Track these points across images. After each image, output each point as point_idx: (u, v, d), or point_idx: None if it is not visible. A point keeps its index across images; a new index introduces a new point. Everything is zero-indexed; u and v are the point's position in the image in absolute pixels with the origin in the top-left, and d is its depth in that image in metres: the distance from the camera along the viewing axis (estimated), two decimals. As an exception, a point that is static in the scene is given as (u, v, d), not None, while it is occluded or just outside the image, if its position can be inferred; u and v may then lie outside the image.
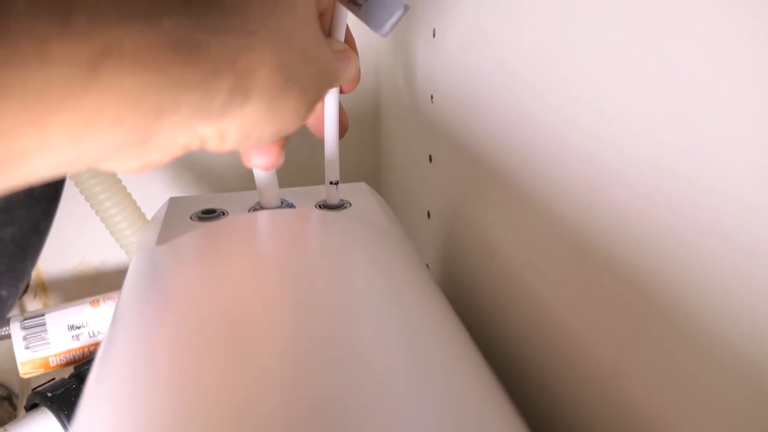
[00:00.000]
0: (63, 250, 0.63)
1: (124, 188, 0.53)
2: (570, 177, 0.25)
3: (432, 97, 0.44)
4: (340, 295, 0.23)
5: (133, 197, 0.53)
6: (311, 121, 0.32)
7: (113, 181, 0.52)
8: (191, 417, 0.16)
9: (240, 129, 0.20)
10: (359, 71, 0.29)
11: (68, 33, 0.15)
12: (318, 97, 0.23)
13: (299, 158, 0.63)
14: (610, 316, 0.24)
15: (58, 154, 0.16)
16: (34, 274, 0.62)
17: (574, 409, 0.27)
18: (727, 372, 0.18)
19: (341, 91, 0.31)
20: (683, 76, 0.18)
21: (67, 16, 0.15)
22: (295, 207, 0.33)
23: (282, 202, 0.33)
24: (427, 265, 0.50)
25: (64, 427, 0.37)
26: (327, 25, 0.28)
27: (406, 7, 0.26)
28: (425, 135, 0.47)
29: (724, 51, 0.17)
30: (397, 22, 0.26)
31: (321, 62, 0.23)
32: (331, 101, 0.31)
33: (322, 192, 0.35)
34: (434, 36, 0.42)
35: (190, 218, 0.32)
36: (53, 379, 0.41)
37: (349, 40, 0.30)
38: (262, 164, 0.26)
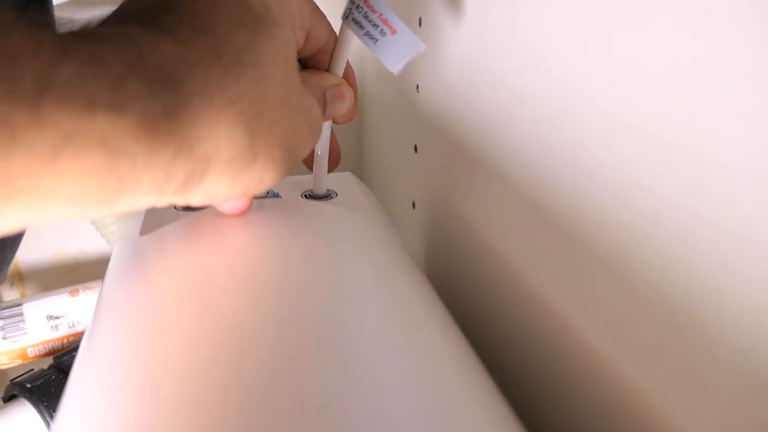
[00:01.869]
0: (41, 239, 0.62)
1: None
2: (556, 165, 0.25)
3: (418, 87, 0.43)
4: (326, 286, 0.23)
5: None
6: None
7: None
8: (178, 408, 0.16)
9: (204, 197, 0.21)
10: (355, 103, 0.28)
11: (36, 120, 0.15)
12: (295, 158, 0.23)
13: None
14: (599, 303, 0.24)
15: (20, 222, 0.17)
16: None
17: (564, 398, 0.27)
18: (727, 366, 0.18)
19: (335, 122, 0.30)
20: (671, 64, 0.18)
21: (36, 104, 0.15)
22: (280, 197, 0.33)
23: (267, 192, 0.33)
24: (413, 255, 0.50)
25: (44, 418, 0.37)
26: (324, 65, 0.27)
27: (424, 47, 0.26)
28: (411, 125, 0.46)
29: (720, 47, 0.17)
30: (411, 61, 0.26)
31: (299, 120, 0.23)
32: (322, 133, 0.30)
33: (308, 182, 0.34)
34: (420, 25, 0.41)
35: (174, 207, 0.31)
36: (32, 370, 0.40)
37: (348, 72, 0.29)
38: (230, 210, 0.26)
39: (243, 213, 0.26)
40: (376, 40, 0.26)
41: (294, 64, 0.23)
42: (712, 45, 0.17)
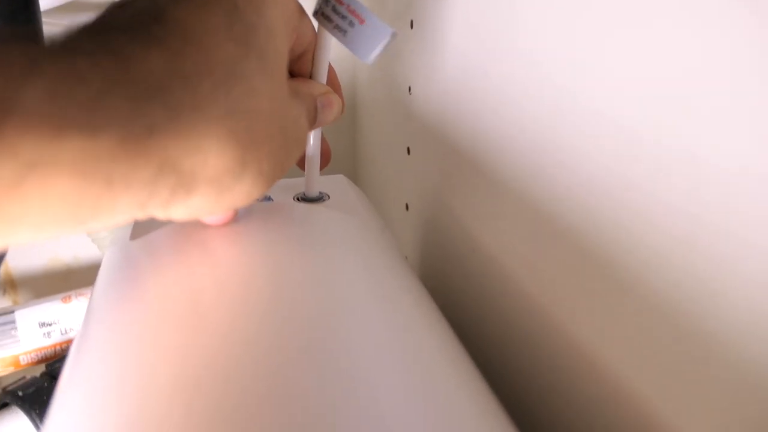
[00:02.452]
0: (33, 246, 0.61)
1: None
2: (550, 167, 0.25)
3: (410, 89, 0.43)
4: (319, 290, 0.22)
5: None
6: None
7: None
8: (166, 415, 0.16)
9: (187, 212, 0.20)
10: (342, 107, 0.28)
11: None
12: (283, 171, 0.23)
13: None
14: (594, 304, 0.24)
15: None
16: (2, 270, 0.60)
17: (558, 398, 0.27)
18: (722, 363, 0.18)
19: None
20: (668, 65, 0.18)
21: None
22: (272, 200, 0.32)
23: (259, 195, 0.33)
24: (406, 258, 0.50)
25: (36, 426, 0.37)
26: (308, 66, 0.27)
27: (395, 34, 0.26)
28: (403, 127, 0.46)
29: (718, 48, 0.17)
30: (383, 50, 0.26)
31: (287, 132, 0.22)
32: (312, 135, 0.30)
33: (301, 185, 0.34)
34: (412, 27, 0.41)
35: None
36: (24, 377, 0.40)
37: (332, 75, 0.28)
38: (212, 222, 0.25)
39: (226, 224, 0.26)
40: (346, 31, 0.26)
41: (284, 75, 0.23)
42: (710, 46, 0.17)
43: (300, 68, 0.27)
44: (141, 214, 0.19)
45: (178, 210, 0.20)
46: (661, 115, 0.19)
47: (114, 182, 0.16)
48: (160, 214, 0.20)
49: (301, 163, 0.32)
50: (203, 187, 0.19)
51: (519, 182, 0.28)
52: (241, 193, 0.21)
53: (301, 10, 0.25)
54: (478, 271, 0.35)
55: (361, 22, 0.25)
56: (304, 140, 0.25)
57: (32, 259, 0.62)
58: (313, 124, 0.26)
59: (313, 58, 0.27)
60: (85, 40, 0.17)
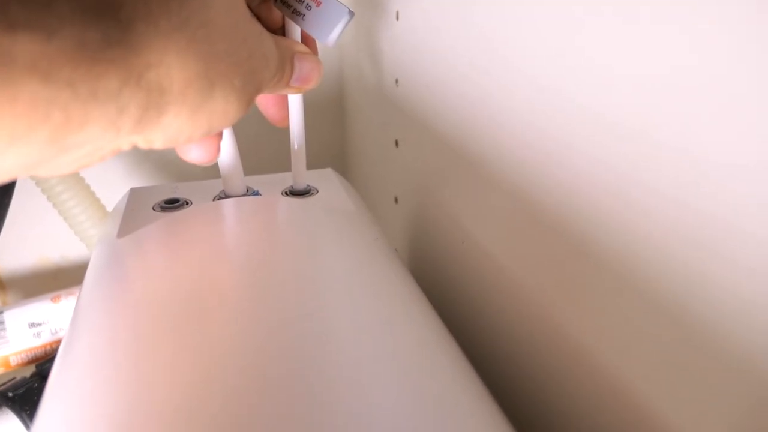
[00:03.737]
0: (21, 245, 0.61)
1: (83, 179, 0.51)
2: (539, 158, 0.25)
3: (397, 81, 0.43)
4: (308, 285, 0.22)
5: (91, 189, 0.52)
6: (271, 111, 0.31)
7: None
8: (154, 413, 0.16)
9: (165, 137, 0.20)
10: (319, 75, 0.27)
11: None
12: (255, 93, 0.22)
13: (265, 145, 0.62)
14: (583, 294, 0.24)
15: None
16: (-10, 271, 0.60)
17: (549, 390, 0.27)
18: (717, 356, 0.18)
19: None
20: (659, 56, 0.18)
21: None
22: (260, 195, 0.32)
23: (247, 190, 0.32)
24: (396, 251, 0.50)
25: (27, 427, 0.36)
26: (279, 22, 0.27)
27: (351, 14, 0.26)
28: (391, 120, 0.46)
29: (710, 40, 0.17)
30: (343, 30, 0.26)
31: (251, 46, 0.22)
32: (296, 126, 0.30)
33: (289, 179, 0.34)
34: (398, 18, 0.41)
35: (153, 209, 0.31)
36: (14, 378, 0.40)
37: (311, 44, 0.28)
38: (197, 159, 0.25)
39: (212, 160, 0.25)
40: (303, 15, 0.26)
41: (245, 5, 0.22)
42: (702, 38, 0.17)
43: (266, 13, 0.27)
44: (118, 139, 0.18)
45: (155, 134, 0.19)
46: (654, 106, 0.19)
47: (79, 91, 0.16)
48: (139, 141, 0.19)
49: (276, 117, 0.31)
50: (174, 106, 0.19)
51: (508, 174, 0.28)
52: (217, 110, 0.20)
53: None
54: (468, 263, 0.35)
55: (318, 4, 0.25)
56: (273, 58, 0.24)
57: (21, 258, 0.62)
58: (287, 74, 0.25)
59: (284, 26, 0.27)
60: None
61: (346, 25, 0.26)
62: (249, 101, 0.22)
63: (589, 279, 0.23)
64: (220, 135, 0.25)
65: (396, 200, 0.48)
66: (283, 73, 0.25)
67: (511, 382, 0.31)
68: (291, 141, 0.31)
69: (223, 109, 0.21)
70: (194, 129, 0.20)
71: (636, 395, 0.21)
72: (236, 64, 0.21)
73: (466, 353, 0.22)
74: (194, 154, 0.25)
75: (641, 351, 0.20)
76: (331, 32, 0.26)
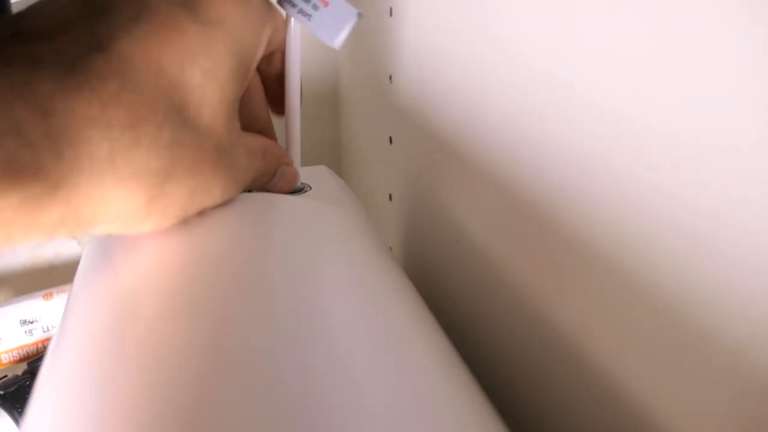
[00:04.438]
0: (13, 243, 0.61)
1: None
2: (534, 155, 0.25)
3: (391, 78, 0.43)
4: (301, 282, 0.22)
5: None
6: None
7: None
8: (143, 411, 0.15)
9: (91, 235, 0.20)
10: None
11: None
12: (195, 209, 0.22)
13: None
14: (579, 292, 0.24)
15: None
16: (-18, 268, 0.60)
17: (545, 388, 0.27)
18: (712, 352, 0.18)
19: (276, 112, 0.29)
20: (657, 48, 0.18)
21: None
22: (252, 190, 0.32)
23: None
24: (390, 249, 0.50)
25: (18, 424, 0.36)
26: (279, 64, 0.27)
27: (360, 15, 0.25)
28: (385, 117, 0.46)
29: (712, 33, 0.17)
30: (350, 32, 0.25)
31: (219, 177, 0.22)
32: (292, 124, 0.30)
33: (282, 176, 0.34)
34: (391, 15, 0.41)
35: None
36: (5, 376, 0.40)
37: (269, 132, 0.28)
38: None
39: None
40: (310, 15, 0.25)
41: (234, 115, 0.22)
42: (701, 32, 0.17)
43: (269, 65, 0.27)
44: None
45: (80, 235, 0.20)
46: (651, 100, 0.19)
47: (13, 237, 0.16)
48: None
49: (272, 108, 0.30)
50: (103, 227, 0.19)
51: (502, 171, 0.28)
52: (143, 230, 0.21)
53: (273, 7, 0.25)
54: (463, 261, 0.35)
55: (326, 5, 0.25)
56: (242, 184, 0.24)
57: (12, 255, 0.61)
58: (267, 182, 0.26)
59: (284, 60, 0.27)
60: (9, 52, 0.16)
61: (354, 27, 0.25)
62: (181, 219, 0.22)
63: (588, 276, 0.23)
64: None
65: (390, 197, 0.48)
66: (264, 181, 0.26)
67: (506, 382, 0.31)
68: (285, 138, 0.31)
69: (153, 228, 0.21)
70: (120, 233, 0.21)
71: (634, 395, 0.21)
72: (183, 198, 0.21)
73: (461, 352, 0.22)
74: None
75: (638, 349, 0.20)
76: (339, 34, 0.25)
